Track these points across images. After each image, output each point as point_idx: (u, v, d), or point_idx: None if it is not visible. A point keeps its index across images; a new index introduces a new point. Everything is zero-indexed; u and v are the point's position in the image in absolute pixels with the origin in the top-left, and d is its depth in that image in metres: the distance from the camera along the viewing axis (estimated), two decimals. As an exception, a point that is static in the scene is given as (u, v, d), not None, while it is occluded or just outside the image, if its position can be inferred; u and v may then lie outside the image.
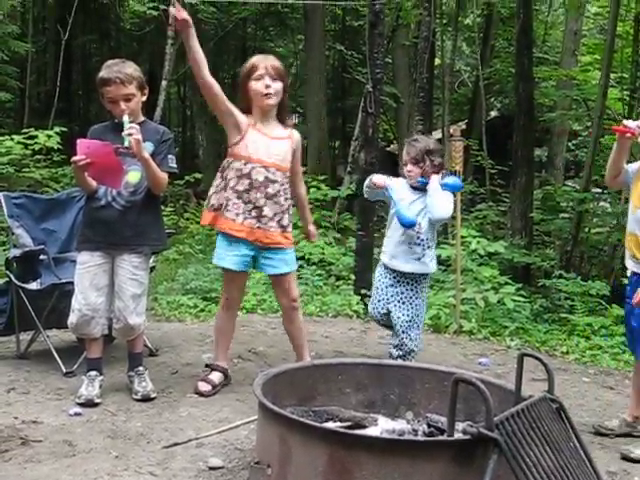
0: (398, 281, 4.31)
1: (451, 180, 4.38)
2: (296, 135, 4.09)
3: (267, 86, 3.85)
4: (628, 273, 3.64)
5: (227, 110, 3.89)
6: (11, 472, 2.88)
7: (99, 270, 3.74)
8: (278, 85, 3.88)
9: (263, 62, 3.89)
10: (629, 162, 3.68)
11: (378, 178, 4.34)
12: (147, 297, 3.96)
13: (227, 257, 3.93)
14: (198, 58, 3.74)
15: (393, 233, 4.35)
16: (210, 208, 3.95)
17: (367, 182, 4.41)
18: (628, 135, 3.47)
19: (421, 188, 4.28)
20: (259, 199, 3.86)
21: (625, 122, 3.52)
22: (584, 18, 13.91)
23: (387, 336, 4.74)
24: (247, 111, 3.94)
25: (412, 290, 4.30)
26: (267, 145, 3.90)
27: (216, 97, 3.85)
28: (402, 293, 4.30)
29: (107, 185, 3.69)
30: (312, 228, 4.37)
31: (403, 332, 4.26)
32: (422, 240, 4.27)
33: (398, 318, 4.27)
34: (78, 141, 3.55)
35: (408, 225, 4.22)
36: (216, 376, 4.02)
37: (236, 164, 3.89)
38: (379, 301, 4.37)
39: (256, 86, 3.85)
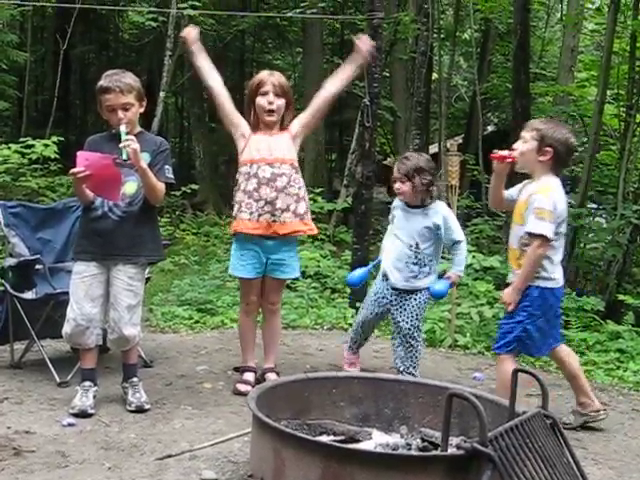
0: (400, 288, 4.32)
1: (439, 286, 4.28)
2: (292, 124, 4.24)
3: (270, 102, 4.09)
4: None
5: (231, 122, 4.21)
6: (3, 482, 2.87)
7: (94, 280, 3.74)
8: (281, 102, 4.12)
9: (270, 78, 4.14)
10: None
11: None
12: (142, 308, 3.96)
13: (240, 267, 4.18)
14: (200, 65, 4.21)
15: (392, 248, 4.35)
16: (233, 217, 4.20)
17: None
18: (508, 160, 3.65)
19: (416, 206, 4.28)
20: (269, 194, 4.04)
21: (498, 151, 3.71)
22: (581, 35, 13.96)
23: (382, 350, 4.75)
24: (256, 125, 4.17)
25: (413, 300, 4.28)
26: (268, 143, 4.12)
27: (220, 107, 4.21)
28: (404, 299, 4.29)
29: (104, 197, 3.70)
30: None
31: (404, 337, 4.25)
32: (419, 259, 4.27)
33: (398, 323, 4.28)
34: (78, 153, 3.57)
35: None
36: (250, 376, 4.27)
37: (243, 169, 4.13)
38: (383, 297, 4.35)
39: (261, 102, 4.11)
